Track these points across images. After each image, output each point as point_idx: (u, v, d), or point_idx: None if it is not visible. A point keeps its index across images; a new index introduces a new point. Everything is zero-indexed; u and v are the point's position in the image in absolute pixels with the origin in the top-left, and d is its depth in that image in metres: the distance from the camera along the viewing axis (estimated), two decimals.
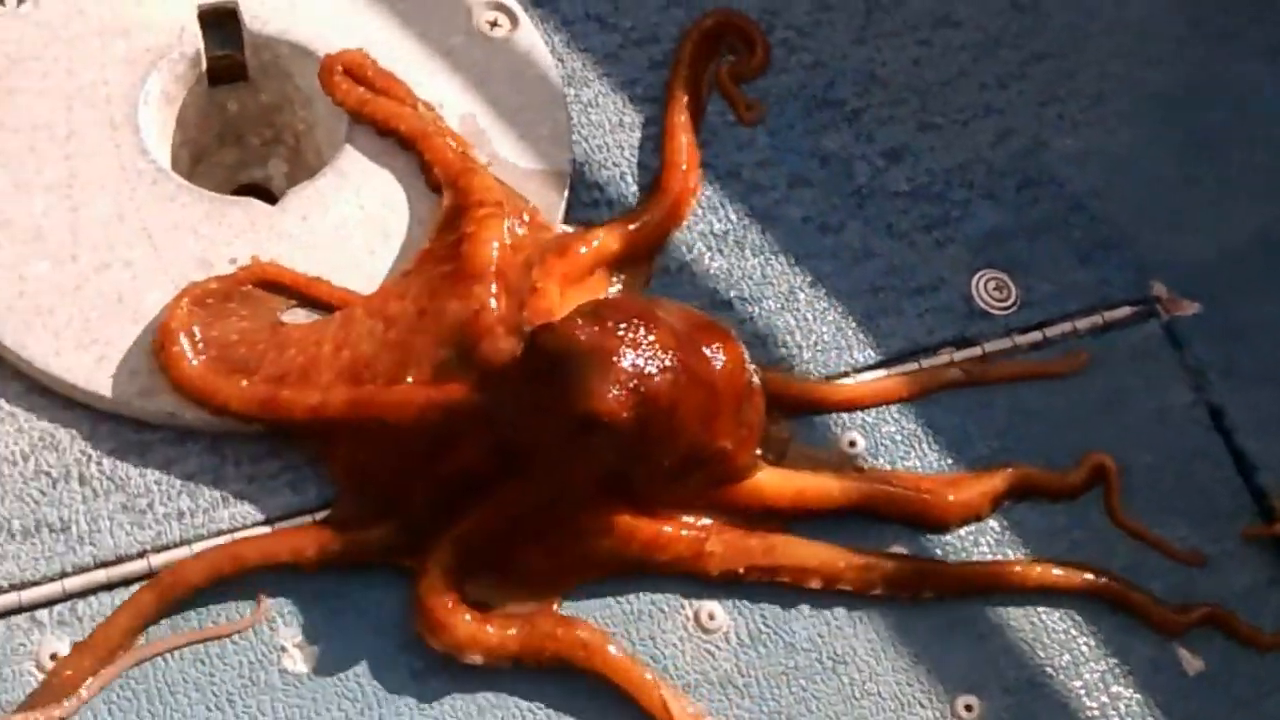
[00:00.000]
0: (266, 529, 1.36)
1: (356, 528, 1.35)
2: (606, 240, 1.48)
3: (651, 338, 1.29)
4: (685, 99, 1.59)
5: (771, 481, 1.41)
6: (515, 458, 1.33)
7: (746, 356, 1.40)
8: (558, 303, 1.41)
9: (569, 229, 1.52)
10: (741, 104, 1.61)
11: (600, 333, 1.28)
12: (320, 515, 1.36)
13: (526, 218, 1.48)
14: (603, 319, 1.29)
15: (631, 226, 1.51)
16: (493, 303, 1.38)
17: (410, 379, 1.36)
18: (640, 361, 1.28)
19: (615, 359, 1.27)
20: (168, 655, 1.30)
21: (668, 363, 1.29)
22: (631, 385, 1.27)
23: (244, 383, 1.37)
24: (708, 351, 1.35)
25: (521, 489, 1.34)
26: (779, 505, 1.41)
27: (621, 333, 1.29)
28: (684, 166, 1.56)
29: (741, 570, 1.37)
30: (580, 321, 1.29)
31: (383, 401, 1.35)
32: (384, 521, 1.35)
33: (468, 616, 1.31)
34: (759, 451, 1.42)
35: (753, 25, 1.65)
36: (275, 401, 1.36)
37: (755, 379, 1.42)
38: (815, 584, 1.38)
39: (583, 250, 1.47)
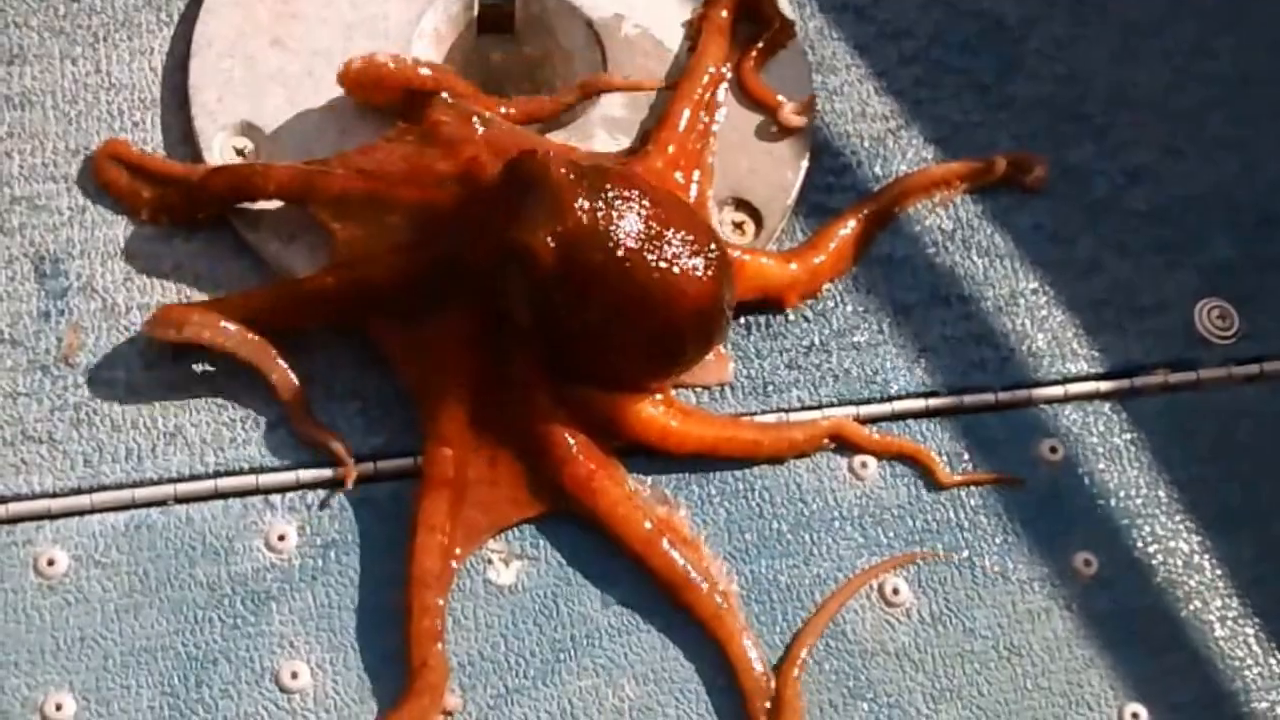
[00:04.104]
0: None
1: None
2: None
3: (626, 218, 1.21)
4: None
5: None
6: (454, 270, 1.30)
7: (724, 322, 1.29)
8: None
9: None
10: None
11: (574, 181, 1.22)
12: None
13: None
14: (586, 173, 1.23)
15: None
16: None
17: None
18: (590, 226, 1.20)
19: (571, 211, 1.21)
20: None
21: (620, 244, 1.21)
22: (569, 240, 1.20)
23: None
24: (673, 266, 1.23)
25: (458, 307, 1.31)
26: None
27: (595, 194, 1.22)
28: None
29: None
30: (563, 163, 1.23)
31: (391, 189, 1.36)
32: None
33: None
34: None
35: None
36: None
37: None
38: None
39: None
